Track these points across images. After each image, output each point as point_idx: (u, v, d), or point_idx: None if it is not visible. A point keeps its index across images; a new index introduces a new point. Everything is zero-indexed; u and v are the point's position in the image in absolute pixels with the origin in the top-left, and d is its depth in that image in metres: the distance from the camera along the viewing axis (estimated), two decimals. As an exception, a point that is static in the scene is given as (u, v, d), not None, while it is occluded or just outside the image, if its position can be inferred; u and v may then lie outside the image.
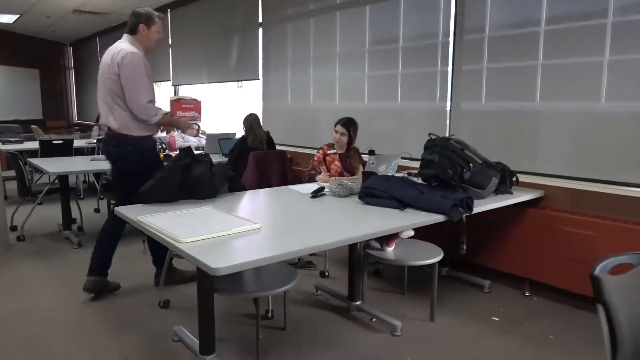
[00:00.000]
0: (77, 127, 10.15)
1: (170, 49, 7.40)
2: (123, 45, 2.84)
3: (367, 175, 2.88)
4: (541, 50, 3.04)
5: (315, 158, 3.58)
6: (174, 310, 2.84)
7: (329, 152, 3.57)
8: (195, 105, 3.25)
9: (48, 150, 5.59)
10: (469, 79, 3.45)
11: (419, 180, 2.84)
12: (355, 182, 2.80)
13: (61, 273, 3.43)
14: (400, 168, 3.49)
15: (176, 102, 3.19)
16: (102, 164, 3.70)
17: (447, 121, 3.61)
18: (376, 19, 4.00)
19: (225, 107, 6.85)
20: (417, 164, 3.83)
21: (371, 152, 4.43)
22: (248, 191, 2.87)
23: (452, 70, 3.54)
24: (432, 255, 2.67)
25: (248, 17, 5.63)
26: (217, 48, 6.24)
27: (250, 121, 4.58)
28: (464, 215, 2.37)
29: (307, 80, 4.96)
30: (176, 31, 7.21)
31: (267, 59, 5.45)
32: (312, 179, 3.36)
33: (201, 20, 6.52)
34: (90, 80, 10.96)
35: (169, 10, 7.17)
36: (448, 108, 3.61)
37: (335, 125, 3.57)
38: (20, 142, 6.13)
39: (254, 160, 4.32)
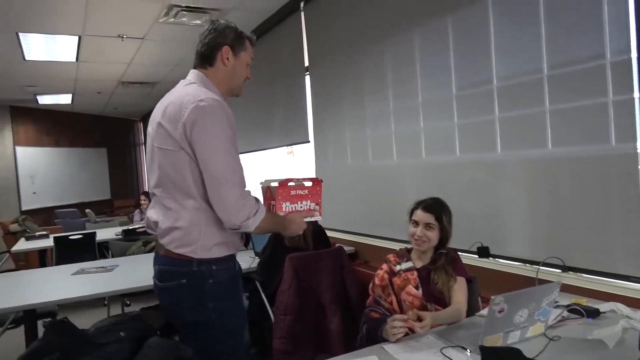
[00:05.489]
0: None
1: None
2: (190, 90, 1.50)
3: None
4: None
5: (377, 281, 1.90)
6: None
7: (398, 267, 1.90)
8: (311, 190, 1.73)
9: (65, 248, 4.55)
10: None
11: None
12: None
13: None
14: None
15: (281, 188, 1.67)
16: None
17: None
18: (509, 45, 2.39)
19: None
20: (578, 282, 2.01)
21: (482, 252, 2.57)
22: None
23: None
24: None
25: (294, 67, 4.29)
26: (261, 110, 4.97)
27: (288, 205, 3.08)
28: None
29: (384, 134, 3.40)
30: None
31: (318, 117, 4.01)
32: (374, 334, 1.66)
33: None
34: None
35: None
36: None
37: (412, 212, 1.90)
38: (46, 236, 5.21)
39: (292, 267, 2.78)
